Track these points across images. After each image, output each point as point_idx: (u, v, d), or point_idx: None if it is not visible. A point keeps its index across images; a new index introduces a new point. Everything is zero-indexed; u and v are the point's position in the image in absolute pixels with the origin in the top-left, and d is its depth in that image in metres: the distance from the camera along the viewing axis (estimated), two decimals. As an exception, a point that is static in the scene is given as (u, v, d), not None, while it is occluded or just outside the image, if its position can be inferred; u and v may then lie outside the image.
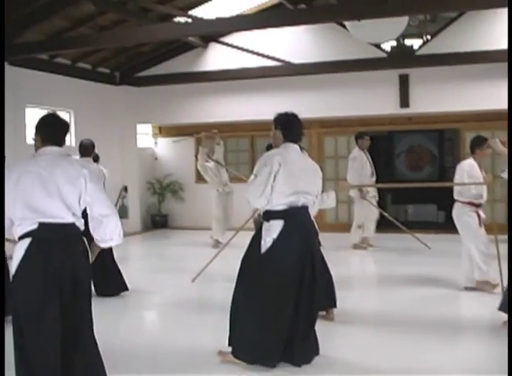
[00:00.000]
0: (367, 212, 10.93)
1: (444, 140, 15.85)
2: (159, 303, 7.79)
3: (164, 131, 15.54)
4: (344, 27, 11.89)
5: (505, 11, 10.95)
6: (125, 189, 13.92)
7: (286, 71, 12.89)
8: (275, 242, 4.72)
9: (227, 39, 13.37)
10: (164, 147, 15.54)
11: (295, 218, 4.77)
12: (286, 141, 4.95)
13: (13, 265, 3.91)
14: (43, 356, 3.84)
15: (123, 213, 14.05)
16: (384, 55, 12.46)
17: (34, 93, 11.74)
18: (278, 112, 5.08)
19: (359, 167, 10.71)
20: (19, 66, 11.23)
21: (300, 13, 10.33)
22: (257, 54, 12.99)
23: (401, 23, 9.62)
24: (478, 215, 7.28)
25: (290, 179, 4.75)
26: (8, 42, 10.57)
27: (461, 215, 7.37)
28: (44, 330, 3.84)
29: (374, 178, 10.99)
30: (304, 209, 4.85)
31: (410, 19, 10.55)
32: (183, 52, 13.83)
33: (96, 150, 11.19)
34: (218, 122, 13.58)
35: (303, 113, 13.92)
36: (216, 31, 11.67)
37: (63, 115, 12.48)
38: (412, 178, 15.33)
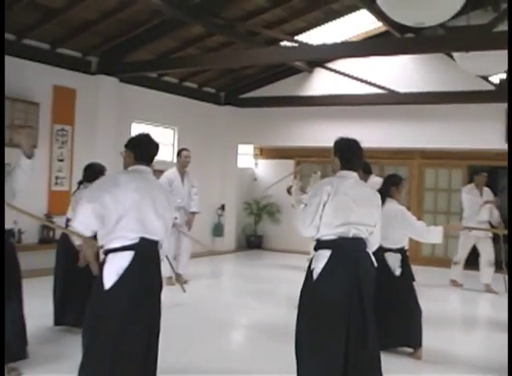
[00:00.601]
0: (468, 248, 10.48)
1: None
2: (245, 325, 7.83)
3: (264, 152, 15.70)
4: (451, 57, 11.70)
5: None
6: (222, 207, 14.21)
7: (389, 99, 12.75)
8: (322, 272, 4.54)
9: (332, 65, 13.37)
10: (263, 168, 15.69)
11: (344, 248, 4.53)
12: (343, 169, 4.69)
13: (110, 276, 4.05)
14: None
15: (218, 231, 14.28)
16: (492, 88, 12.13)
17: (140, 109, 12.15)
18: (339, 137, 4.82)
19: (473, 204, 10.37)
20: (128, 83, 11.67)
21: (407, 42, 10.18)
22: (362, 81, 12.91)
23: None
24: None
25: (340, 210, 4.53)
26: (118, 60, 11.02)
27: None
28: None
29: (497, 217, 10.32)
30: (355, 240, 4.58)
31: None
32: (288, 75, 13.97)
33: (198, 168, 11.51)
34: (319, 147, 13.57)
35: (404, 143, 13.86)
36: (321, 57, 11.71)
37: (168, 132, 12.87)
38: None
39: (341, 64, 13.20)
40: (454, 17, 7.37)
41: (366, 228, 4.63)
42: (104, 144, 11.02)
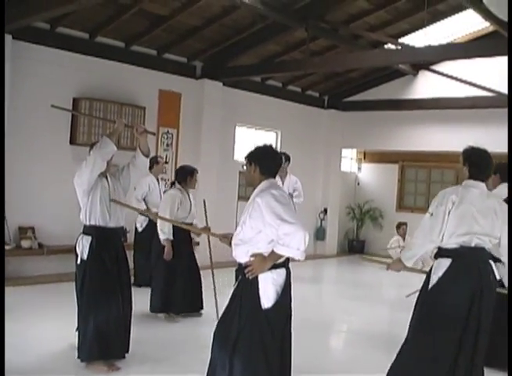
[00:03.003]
0: None
1: None
2: (345, 330, 7.81)
3: (368, 156, 15.56)
4: None
5: None
6: (325, 211, 14.18)
7: (497, 102, 12.31)
8: (440, 280, 4.50)
9: (438, 67, 13.10)
10: (367, 173, 15.55)
11: (465, 258, 4.49)
12: (470, 178, 4.64)
13: (269, 294, 4.00)
14: None
15: (320, 235, 14.26)
16: None
17: (244, 113, 12.31)
18: (468, 145, 4.76)
19: None
20: (231, 87, 11.85)
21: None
22: (469, 83, 12.57)
23: None
24: None
25: (464, 220, 4.49)
26: (222, 65, 11.21)
27: None
28: None
29: None
30: (478, 250, 4.51)
31: None
32: (392, 78, 13.80)
33: (300, 171, 11.50)
34: (423, 151, 13.35)
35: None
36: (425, 59, 11.47)
37: (271, 135, 12.97)
38: None
39: (447, 66, 12.91)
40: None
41: (490, 239, 4.55)
42: (208, 147, 11.25)
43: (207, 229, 6.78)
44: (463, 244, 4.48)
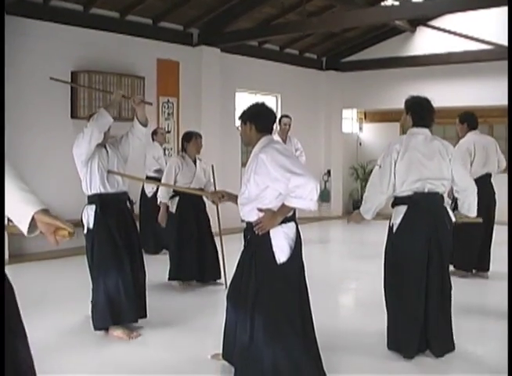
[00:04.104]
0: None
1: None
2: (355, 288, 7.86)
3: (368, 116, 15.51)
4: None
5: None
6: (328, 172, 14.16)
7: (497, 55, 12.21)
8: (399, 227, 4.77)
9: (435, 23, 13.00)
10: (368, 133, 15.51)
11: (420, 204, 4.71)
12: (414, 126, 4.87)
13: (283, 248, 4.02)
14: None
15: (325, 197, 14.27)
16: None
17: (243, 78, 12.25)
18: (410, 95, 4.99)
19: None
20: (229, 53, 11.76)
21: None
22: (467, 37, 12.49)
23: None
24: None
25: (412, 166, 4.71)
26: (219, 31, 11.12)
27: None
28: None
29: None
30: (431, 195, 4.74)
31: None
32: (390, 36, 13.69)
33: (302, 134, 11.48)
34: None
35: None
36: (424, 14, 11.34)
37: (271, 99, 12.91)
38: None
39: (445, 21, 12.82)
40: None
41: (442, 182, 4.79)
42: (209, 114, 11.22)
43: (201, 189, 6.95)
44: (417, 190, 4.72)
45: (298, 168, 3.88)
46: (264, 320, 3.95)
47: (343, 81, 14.40)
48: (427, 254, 4.69)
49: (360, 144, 15.61)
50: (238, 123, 4.36)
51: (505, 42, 11.90)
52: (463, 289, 7.37)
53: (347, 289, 7.86)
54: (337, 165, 14.68)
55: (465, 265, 7.76)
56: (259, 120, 4.18)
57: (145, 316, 5.52)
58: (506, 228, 9.69)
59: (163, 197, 7.10)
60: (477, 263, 7.79)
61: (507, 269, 5.69)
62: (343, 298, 7.55)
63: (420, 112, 4.88)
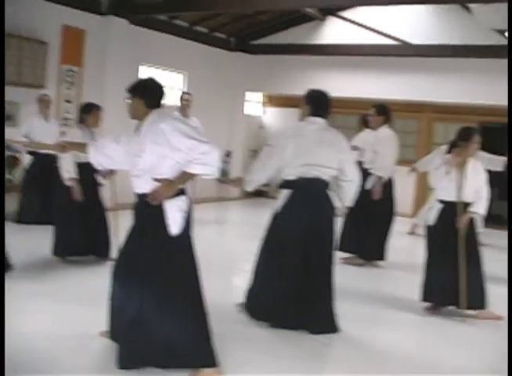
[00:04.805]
0: None
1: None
2: (250, 270, 7.87)
3: (273, 100, 15.57)
4: (467, 9, 11.49)
5: None
6: (228, 154, 14.12)
7: (402, 51, 12.57)
8: (281, 209, 5.07)
9: (345, 14, 13.17)
10: (271, 116, 15.58)
11: (303, 188, 4.99)
12: (310, 115, 5.16)
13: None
14: None
15: (224, 177, 14.24)
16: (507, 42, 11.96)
17: (150, 53, 11.97)
18: (309, 88, 5.32)
19: None
20: (138, 26, 11.46)
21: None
22: (375, 31, 12.73)
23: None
24: None
25: (301, 152, 4.99)
26: (129, 1, 10.84)
27: None
28: None
29: None
30: (315, 181, 5.03)
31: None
32: (300, 23, 13.71)
33: (205, 113, 11.40)
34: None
35: (415, 96, 13.69)
36: (336, 4, 11.47)
37: (177, 76, 12.73)
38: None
39: (354, 13, 13.01)
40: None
41: (327, 170, 5.07)
42: (113, 86, 10.90)
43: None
44: (302, 174, 5.00)
45: (201, 136, 3.96)
46: (155, 294, 3.95)
47: (250, 63, 14.36)
48: (305, 236, 4.97)
49: (261, 127, 15.67)
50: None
51: (411, 39, 12.24)
52: (359, 277, 7.63)
53: (242, 270, 7.86)
54: (238, 147, 14.69)
55: (366, 254, 8.02)
56: (147, 94, 4.15)
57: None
58: (404, 219, 10.16)
59: (69, 171, 6.76)
60: (375, 253, 8.06)
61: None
62: (237, 279, 7.56)
63: (316, 104, 5.18)
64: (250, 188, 5.31)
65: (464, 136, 5.93)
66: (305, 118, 5.21)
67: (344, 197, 5.29)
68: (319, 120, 5.16)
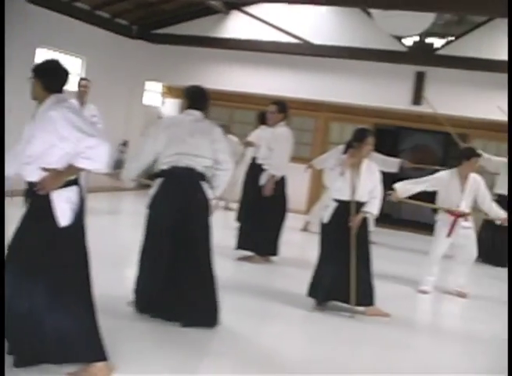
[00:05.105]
0: None
1: (451, 143, 15.69)
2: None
3: (173, 91, 15.42)
4: (368, 14, 11.78)
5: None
6: (124, 144, 13.90)
7: (304, 50, 12.77)
8: (153, 198, 5.17)
9: (250, 9, 13.22)
10: (170, 107, 15.43)
11: (173, 177, 5.10)
12: (188, 108, 5.33)
13: None
14: None
15: (119, 167, 13.98)
16: (404, 49, 12.36)
17: (48, 35, 11.55)
18: (189, 84, 5.58)
19: None
20: (35, 5, 11.03)
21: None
22: (278, 29, 12.86)
23: (427, 19, 9.51)
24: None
25: (173, 141, 5.11)
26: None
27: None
28: None
29: None
30: (188, 170, 5.12)
31: (437, 18, 10.43)
32: (204, 15, 13.64)
33: (103, 101, 11.16)
34: (228, 91, 13.49)
35: (313, 95, 13.93)
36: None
37: (75, 61, 12.40)
38: (413, 177, 15.03)
39: (258, 9, 13.09)
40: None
41: (201, 160, 5.15)
42: (8, 68, 10.45)
43: None
44: (174, 164, 5.10)
45: (91, 130, 3.83)
46: (44, 288, 3.82)
47: (151, 52, 14.14)
48: (175, 225, 5.06)
49: (160, 118, 15.49)
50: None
51: (312, 39, 12.43)
52: (250, 272, 7.68)
53: (133, 262, 7.73)
54: (135, 137, 14.46)
55: (259, 249, 8.08)
56: (47, 77, 4.00)
57: None
58: (298, 216, 10.30)
59: None
60: (268, 248, 8.13)
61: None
62: (128, 271, 7.42)
63: (194, 98, 5.37)
64: (126, 179, 5.51)
65: (359, 137, 6.09)
66: (184, 111, 5.38)
67: (217, 186, 5.36)
68: (196, 112, 5.30)
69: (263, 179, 7.91)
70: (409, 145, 15.63)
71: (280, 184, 8.06)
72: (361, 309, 6.11)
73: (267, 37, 12.91)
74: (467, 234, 7.43)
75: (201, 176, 5.18)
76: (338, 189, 6.03)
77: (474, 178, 7.39)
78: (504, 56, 11.06)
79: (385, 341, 5.61)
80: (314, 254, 6.32)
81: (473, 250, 7.49)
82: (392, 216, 14.19)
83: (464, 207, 7.34)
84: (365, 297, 6.07)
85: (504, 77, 11.57)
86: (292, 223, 9.39)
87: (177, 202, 5.07)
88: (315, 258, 6.25)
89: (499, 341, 5.74)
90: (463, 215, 7.31)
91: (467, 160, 7.33)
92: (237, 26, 13.42)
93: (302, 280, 6.41)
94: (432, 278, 7.53)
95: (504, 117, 10.49)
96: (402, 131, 15.35)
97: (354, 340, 5.58)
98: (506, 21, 11.26)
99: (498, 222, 7.52)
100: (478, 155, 7.49)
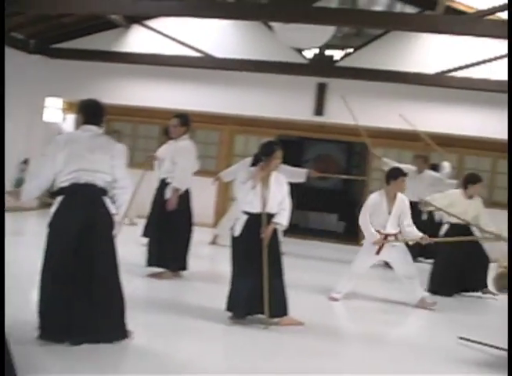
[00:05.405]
0: None
1: (353, 153, 16.09)
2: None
3: (74, 107, 15.03)
4: (269, 27, 11.94)
5: (429, 36, 11.28)
6: (25, 161, 13.50)
7: (206, 63, 12.79)
8: (53, 214, 5.06)
9: (151, 23, 13.13)
10: (72, 123, 15.08)
11: (74, 193, 5.03)
12: (84, 124, 5.27)
13: None
14: None
15: (20, 185, 13.57)
16: (305, 61, 12.57)
17: None
18: (81, 99, 5.50)
19: None
20: None
21: (229, 8, 10.13)
22: (180, 42, 12.84)
23: (327, 32, 9.69)
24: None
25: (72, 158, 5.05)
26: None
27: None
28: None
29: None
30: (88, 186, 5.07)
31: (336, 31, 10.65)
32: (105, 29, 13.42)
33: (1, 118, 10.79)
34: (132, 106, 13.35)
35: (217, 108, 13.97)
36: (140, 13, 11.31)
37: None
38: (317, 187, 15.39)
39: (160, 23, 13.02)
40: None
41: (101, 175, 5.12)
42: None
43: None
44: (74, 180, 5.04)
45: None
46: None
47: (51, 67, 13.72)
48: (76, 241, 4.97)
49: (60, 134, 15.12)
50: None
51: (214, 52, 12.47)
52: (160, 287, 7.59)
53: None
54: (37, 154, 14.06)
55: (168, 264, 7.99)
56: None
57: None
58: (205, 229, 10.27)
59: None
60: (177, 263, 8.06)
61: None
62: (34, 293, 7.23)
63: (89, 112, 5.31)
64: (25, 199, 5.25)
65: (266, 152, 6.14)
66: (80, 126, 5.30)
67: (119, 205, 5.31)
68: (93, 127, 5.25)
69: (168, 193, 7.86)
70: (313, 155, 15.94)
71: (185, 197, 8.02)
72: (275, 319, 6.13)
73: (169, 51, 12.84)
74: (397, 252, 7.57)
75: (103, 191, 5.15)
76: (249, 201, 6.05)
77: (401, 198, 7.53)
78: (401, 67, 11.51)
79: (301, 348, 5.65)
80: (224, 267, 6.32)
81: (406, 267, 7.61)
82: (299, 226, 14.37)
83: (389, 228, 7.48)
84: (279, 307, 6.10)
85: (403, 87, 12.09)
86: (200, 236, 9.34)
87: (79, 218, 5.00)
88: (225, 271, 6.24)
89: (404, 345, 5.98)
90: (390, 235, 7.48)
91: (394, 180, 7.49)
92: (138, 40, 13.29)
93: (213, 293, 6.40)
94: (345, 290, 7.65)
95: (406, 126, 10.80)
96: (306, 141, 15.64)
97: (270, 350, 5.59)
98: (400, 33, 11.74)
99: (424, 242, 7.56)
100: (405, 174, 7.62)
